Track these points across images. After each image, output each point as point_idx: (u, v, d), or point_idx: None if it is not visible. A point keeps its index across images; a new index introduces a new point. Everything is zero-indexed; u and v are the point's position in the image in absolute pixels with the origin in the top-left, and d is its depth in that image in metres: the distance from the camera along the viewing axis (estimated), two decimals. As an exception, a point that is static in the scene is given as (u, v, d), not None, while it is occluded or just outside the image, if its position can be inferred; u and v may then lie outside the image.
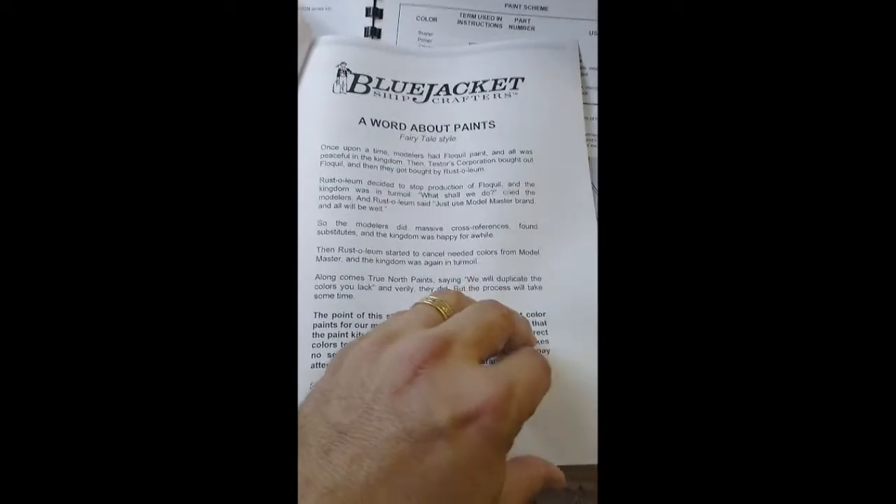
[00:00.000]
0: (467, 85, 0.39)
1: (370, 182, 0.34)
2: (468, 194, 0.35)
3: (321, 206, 0.33)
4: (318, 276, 0.31)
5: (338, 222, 0.33)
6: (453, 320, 0.24)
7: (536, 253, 0.33)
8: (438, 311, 0.25)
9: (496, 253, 0.33)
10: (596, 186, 0.35)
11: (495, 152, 0.36)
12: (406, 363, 0.21)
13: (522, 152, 0.36)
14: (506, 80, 0.39)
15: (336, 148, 0.35)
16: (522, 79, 0.39)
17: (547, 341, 0.31)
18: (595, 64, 0.40)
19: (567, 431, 0.29)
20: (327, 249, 0.32)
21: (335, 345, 0.30)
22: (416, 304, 0.26)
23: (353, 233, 0.33)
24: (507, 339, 0.25)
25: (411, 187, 0.35)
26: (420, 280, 0.32)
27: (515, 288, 0.32)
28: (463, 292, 0.32)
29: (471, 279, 0.32)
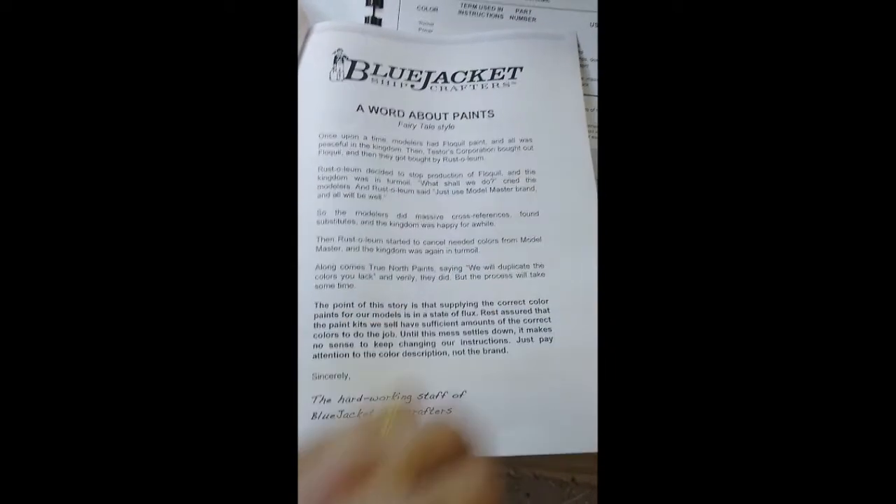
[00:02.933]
0: (465, 74, 0.39)
1: (369, 170, 0.34)
2: (468, 183, 0.35)
3: (320, 196, 0.33)
4: (318, 266, 0.31)
5: (337, 211, 0.32)
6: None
7: (538, 240, 0.33)
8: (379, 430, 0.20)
9: (497, 241, 0.33)
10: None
11: (494, 141, 0.36)
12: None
13: (522, 141, 0.36)
14: (504, 69, 0.39)
15: (334, 136, 0.35)
16: (521, 68, 0.39)
17: (549, 329, 0.31)
18: (596, 55, 0.40)
19: (568, 420, 0.28)
20: (327, 239, 0.32)
21: (337, 335, 0.29)
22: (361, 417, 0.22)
23: (353, 222, 0.32)
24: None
25: (410, 175, 0.35)
26: (421, 269, 0.32)
27: (517, 275, 0.32)
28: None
29: (472, 267, 0.32)
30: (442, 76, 0.39)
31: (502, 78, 0.38)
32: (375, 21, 0.41)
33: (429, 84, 0.39)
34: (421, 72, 0.39)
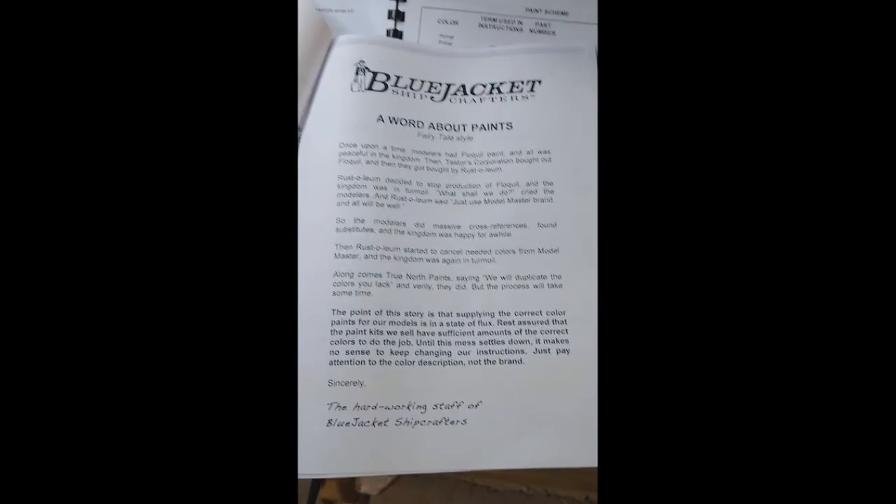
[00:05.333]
0: (484, 86, 0.39)
1: (388, 179, 0.34)
2: (486, 193, 0.35)
3: (339, 204, 0.33)
4: (336, 274, 0.31)
5: (356, 219, 0.33)
6: None
7: (556, 251, 0.33)
8: None
9: (514, 252, 0.33)
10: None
11: (513, 153, 0.36)
12: None
13: (540, 152, 0.36)
14: (522, 82, 0.39)
15: (354, 146, 0.35)
16: (539, 81, 0.39)
17: (567, 340, 0.30)
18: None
19: (584, 433, 0.28)
20: (346, 247, 0.32)
21: (353, 342, 0.29)
22: None
23: (371, 230, 0.33)
24: None
25: (429, 185, 0.35)
26: (438, 278, 0.32)
27: (535, 286, 0.32)
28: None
29: (489, 277, 0.32)
30: (461, 88, 0.39)
31: (521, 91, 0.39)
32: (397, 34, 0.42)
33: (448, 96, 0.39)
34: (441, 84, 0.39)
